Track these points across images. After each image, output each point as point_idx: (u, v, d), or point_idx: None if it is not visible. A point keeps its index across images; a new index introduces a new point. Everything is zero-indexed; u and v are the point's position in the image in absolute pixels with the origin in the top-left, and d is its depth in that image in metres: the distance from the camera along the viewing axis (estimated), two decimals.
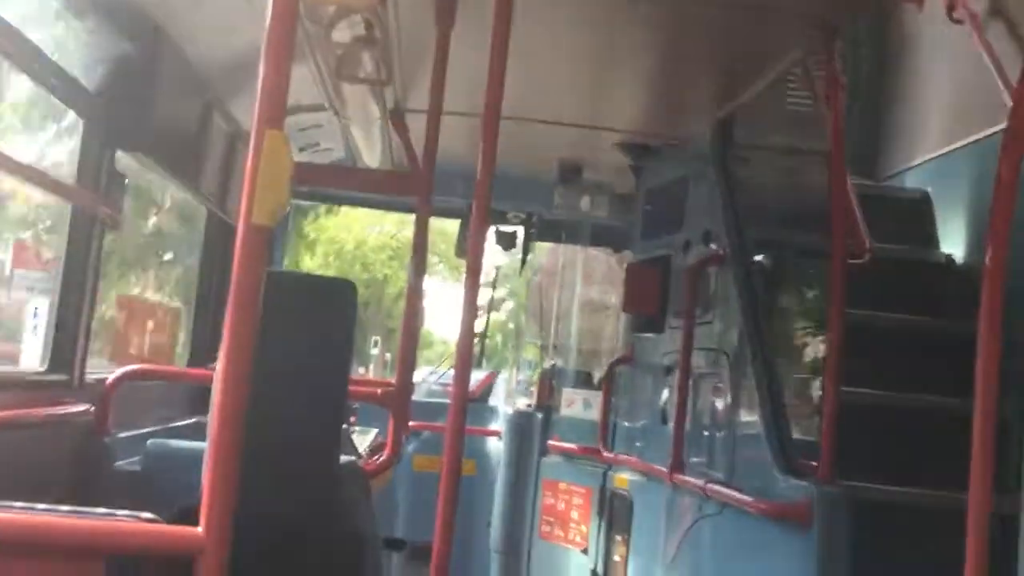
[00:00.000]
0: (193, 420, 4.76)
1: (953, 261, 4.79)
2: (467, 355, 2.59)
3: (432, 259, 23.99)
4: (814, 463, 3.72)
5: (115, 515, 1.72)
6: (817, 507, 3.56)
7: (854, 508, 3.58)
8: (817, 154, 4.29)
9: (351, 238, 27.63)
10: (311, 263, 25.61)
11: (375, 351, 27.36)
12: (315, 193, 7.09)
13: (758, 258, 4.70)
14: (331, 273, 25.26)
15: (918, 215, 5.07)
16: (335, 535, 2.87)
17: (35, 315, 3.69)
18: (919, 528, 3.83)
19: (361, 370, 23.39)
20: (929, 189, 5.14)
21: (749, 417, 4.27)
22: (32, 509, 1.70)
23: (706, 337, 4.77)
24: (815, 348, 4.75)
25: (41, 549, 1.66)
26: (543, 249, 8.47)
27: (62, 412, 3.59)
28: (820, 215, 3.88)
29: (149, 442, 3.96)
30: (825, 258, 3.81)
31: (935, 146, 5.19)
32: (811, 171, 4.81)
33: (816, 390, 4.56)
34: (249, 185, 1.73)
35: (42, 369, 3.63)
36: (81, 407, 3.70)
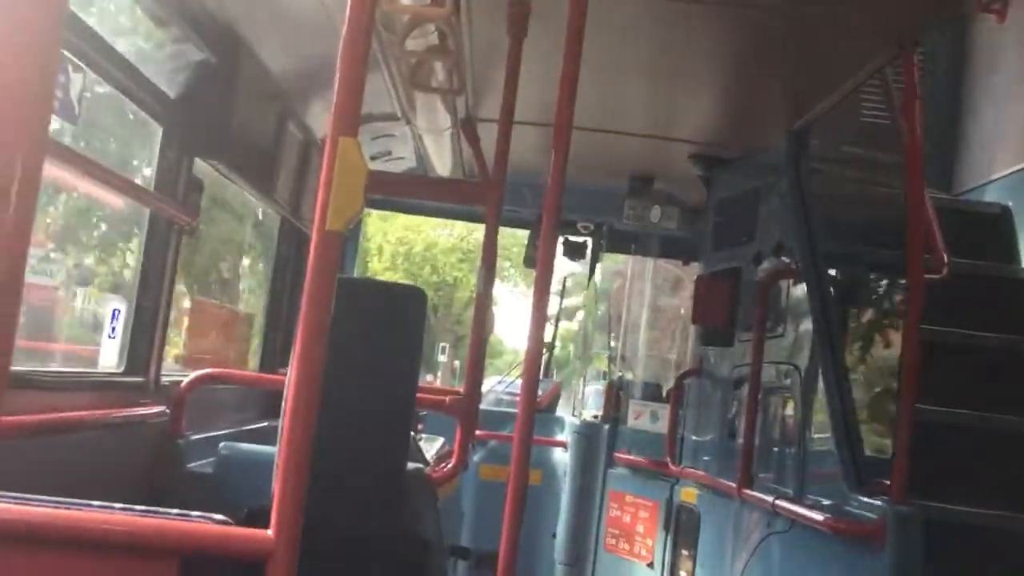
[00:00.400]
0: (264, 424, 4.82)
1: None
2: (535, 365, 2.58)
3: (504, 264, 23.98)
4: (887, 481, 3.65)
5: (188, 516, 1.75)
6: (890, 526, 3.49)
7: (928, 528, 3.50)
8: (893, 166, 4.22)
9: (420, 239, 27.60)
10: (377, 265, 25.67)
11: (443, 358, 27.38)
12: (387, 201, 7.16)
13: (831, 272, 4.63)
14: (399, 276, 25.38)
15: (998, 230, 4.96)
16: (401, 542, 2.88)
17: (114, 316, 3.77)
18: (995, 550, 3.73)
19: (429, 377, 23.45)
20: (1010, 203, 5.03)
21: (820, 433, 4.20)
22: (109, 508, 1.73)
23: (776, 351, 4.72)
24: (890, 364, 4.66)
25: (116, 547, 1.69)
26: (613, 258, 8.44)
27: (138, 413, 3.66)
28: (896, 228, 3.81)
29: (221, 445, 4.02)
30: (901, 273, 3.74)
31: (1015, 160, 5.08)
32: (887, 183, 4.73)
33: (890, 407, 4.48)
34: (324, 192, 1.74)
35: (119, 370, 3.71)
36: (156, 409, 3.77)
